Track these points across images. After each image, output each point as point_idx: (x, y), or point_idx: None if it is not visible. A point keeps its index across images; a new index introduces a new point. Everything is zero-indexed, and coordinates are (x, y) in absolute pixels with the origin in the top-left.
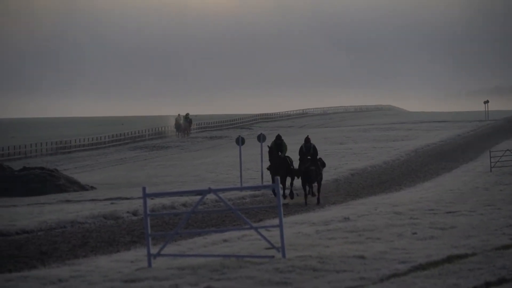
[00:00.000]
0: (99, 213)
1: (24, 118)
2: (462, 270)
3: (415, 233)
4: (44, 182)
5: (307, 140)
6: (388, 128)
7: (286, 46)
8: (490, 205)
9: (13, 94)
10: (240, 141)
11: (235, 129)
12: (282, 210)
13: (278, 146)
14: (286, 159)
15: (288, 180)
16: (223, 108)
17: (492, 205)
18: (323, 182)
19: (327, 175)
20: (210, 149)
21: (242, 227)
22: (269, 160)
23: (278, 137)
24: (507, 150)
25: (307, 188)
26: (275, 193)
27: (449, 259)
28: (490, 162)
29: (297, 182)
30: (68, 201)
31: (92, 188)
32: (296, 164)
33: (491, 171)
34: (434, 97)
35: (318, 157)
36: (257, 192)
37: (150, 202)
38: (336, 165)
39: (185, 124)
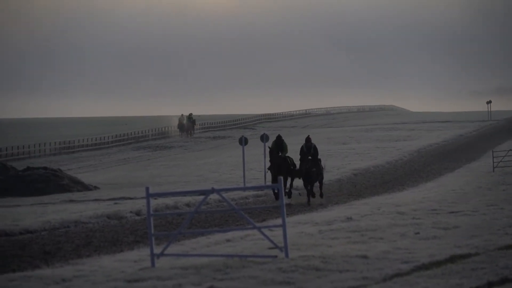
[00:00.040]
0: (103, 213)
1: (24, 119)
2: (465, 270)
3: (418, 233)
4: (47, 182)
5: (308, 139)
6: (390, 128)
7: (287, 46)
8: (492, 205)
9: (13, 94)
10: (243, 141)
11: (238, 129)
12: (285, 210)
13: (278, 146)
14: (287, 159)
15: (289, 180)
16: (223, 108)
17: (495, 205)
18: (326, 182)
19: (330, 175)
20: (213, 149)
21: (245, 227)
22: (270, 160)
23: (278, 138)
24: (510, 150)
25: (309, 188)
26: (275, 193)
27: (452, 259)
28: (493, 162)
29: (299, 182)
30: (71, 201)
31: (96, 188)
32: (297, 164)
33: (493, 171)
34: (436, 97)
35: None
36: (260, 192)
37: (154, 202)
38: (339, 165)
39: (188, 124)
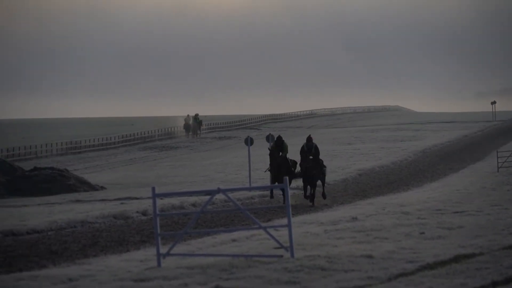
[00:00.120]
0: (109, 213)
1: (24, 119)
2: (469, 270)
3: (422, 233)
4: (54, 182)
5: (309, 139)
6: (395, 128)
7: (288, 46)
8: (497, 205)
9: (13, 94)
10: (249, 142)
11: (243, 129)
12: (290, 210)
13: (278, 147)
14: (287, 159)
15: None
16: (223, 108)
17: (499, 205)
18: (331, 182)
19: (336, 175)
20: (219, 149)
21: (251, 227)
22: (270, 161)
23: (279, 138)
24: None
25: (310, 189)
26: (272, 193)
27: (457, 259)
28: (497, 163)
29: (299, 182)
30: (78, 201)
31: (102, 188)
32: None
33: (498, 171)
34: (441, 97)
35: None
36: (265, 192)
37: (160, 202)
38: (344, 165)
39: (194, 125)
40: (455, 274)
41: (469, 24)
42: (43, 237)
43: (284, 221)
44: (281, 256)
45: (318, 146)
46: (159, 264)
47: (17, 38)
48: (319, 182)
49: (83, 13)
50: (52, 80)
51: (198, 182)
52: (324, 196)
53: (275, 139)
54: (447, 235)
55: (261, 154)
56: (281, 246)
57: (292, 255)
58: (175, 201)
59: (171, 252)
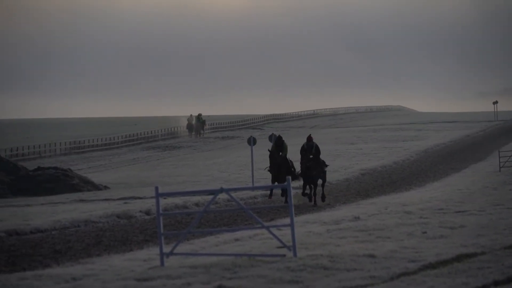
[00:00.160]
0: (113, 212)
1: (24, 119)
2: (471, 269)
3: (425, 232)
4: (58, 181)
5: (309, 139)
6: (398, 128)
7: (289, 46)
8: (499, 205)
9: (13, 94)
10: (252, 141)
11: (246, 129)
12: (293, 209)
13: (278, 147)
14: (287, 159)
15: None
16: (223, 108)
17: (501, 204)
18: (334, 182)
19: (338, 174)
20: (222, 149)
21: (254, 226)
22: (270, 162)
23: (279, 138)
24: None
25: (311, 189)
26: (271, 193)
27: (459, 258)
28: (499, 162)
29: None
30: (82, 200)
31: (106, 187)
32: (297, 164)
33: (500, 171)
34: (442, 97)
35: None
36: (268, 192)
37: (163, 202)
38: (347, 165)
39: (197, 125)
40: (457, 273)
41: (470, 24)
42: (47, 236)
43: (287, 220)
44: (284, 255)
45: (320, 146)
46: (162, 264)
47: (17, 38)
48: (319, 182)
49: (83, 13)
50: (52, 80)
51: (201, 181)
52: (323, 198)
53: (276, 139)
54: (449, 234)
55: (264, 154)
56: (284, 246)
57: (295, 255)
58: (178, 200)
59: (174, 251)
